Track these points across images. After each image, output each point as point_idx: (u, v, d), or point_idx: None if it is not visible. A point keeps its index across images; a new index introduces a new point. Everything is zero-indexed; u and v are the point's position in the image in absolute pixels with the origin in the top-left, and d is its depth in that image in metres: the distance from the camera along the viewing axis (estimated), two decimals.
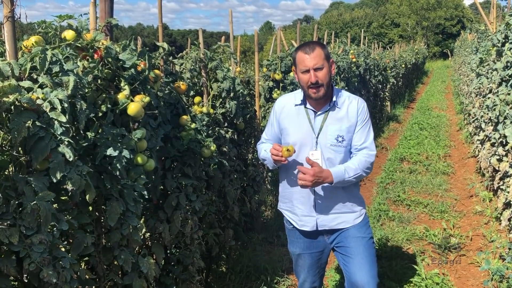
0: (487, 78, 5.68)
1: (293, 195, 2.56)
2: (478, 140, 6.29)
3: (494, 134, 4.85)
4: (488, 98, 5.38)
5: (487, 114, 5.41)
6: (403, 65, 15.25)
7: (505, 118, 4.42)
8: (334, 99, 2.45)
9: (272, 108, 2.66)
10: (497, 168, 4.70)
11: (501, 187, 4.48)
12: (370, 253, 2.51)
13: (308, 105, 2.49)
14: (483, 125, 5.84)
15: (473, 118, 7.29)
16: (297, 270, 2.79)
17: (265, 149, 2.61)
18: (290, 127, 2.51)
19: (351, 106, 2.47)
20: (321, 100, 2.42)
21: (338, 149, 2.44)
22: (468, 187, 5.98)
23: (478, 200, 5.44)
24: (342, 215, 2.52)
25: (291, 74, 4.98)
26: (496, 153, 4.71)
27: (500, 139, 4.63)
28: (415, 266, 3.81)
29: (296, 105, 2.52)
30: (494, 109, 4.84)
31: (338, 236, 2.56)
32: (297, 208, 2.56)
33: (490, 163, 4.98)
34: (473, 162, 7.04)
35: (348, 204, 2.52)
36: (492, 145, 5.07)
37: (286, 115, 2.54)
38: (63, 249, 1.75)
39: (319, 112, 2.46)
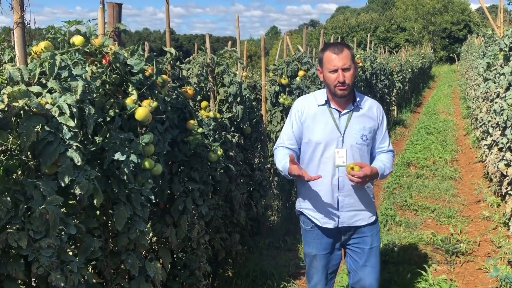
0: (495, 83, 5.64)
1: (318, 194, 2.59)
2: (485, 145, 6.25)
3: (502, 139, 4.81)
4: (496, 102, 5.34)
5: (495, 118, 5.37)
6: (410, 70, 15.22)
7: None
8: (357, 99, 2.56)
9: (292, 108, 2.65)
10: (505, 173, 4.67)
11: (509, 192, 4.45)
12: (374, 259, 2.67)
13: (332, 105, 2.56)
14: (490, 130, 5.81)
15: (480, 122, 7.25)
16: (310, 272, 2.78)
17: (280, 160, 2.54)
18: (314, 126, 2.56)
19: (372, 108, 2.61)
20: (345, 99, 2.52)
21: (362, 148, 2.53)
22: (476, 192, 5.93)
23: (485, 205, 5.40)
24: (360, 212, 2.60)
25: (298, 78, 4.99)
26: (504, 158, 4.68)
27: (508, 144, 4.60)
28: (423, 272, 3.78)
29: (319, 105, 2.57)
30: (502, 114, 4.81)
31: (351, 237, 2.67)
32: (320, 206, 2.60)
33: (497, 168, 4.95)
34: (480, 167, 7.00)
35: (365, 201, 2.61)
36: (500, 150, 5.04)
37: (309, 115, 2.58)
38: (71, 253, 1.76)
39: (343, 112, 2.54)
